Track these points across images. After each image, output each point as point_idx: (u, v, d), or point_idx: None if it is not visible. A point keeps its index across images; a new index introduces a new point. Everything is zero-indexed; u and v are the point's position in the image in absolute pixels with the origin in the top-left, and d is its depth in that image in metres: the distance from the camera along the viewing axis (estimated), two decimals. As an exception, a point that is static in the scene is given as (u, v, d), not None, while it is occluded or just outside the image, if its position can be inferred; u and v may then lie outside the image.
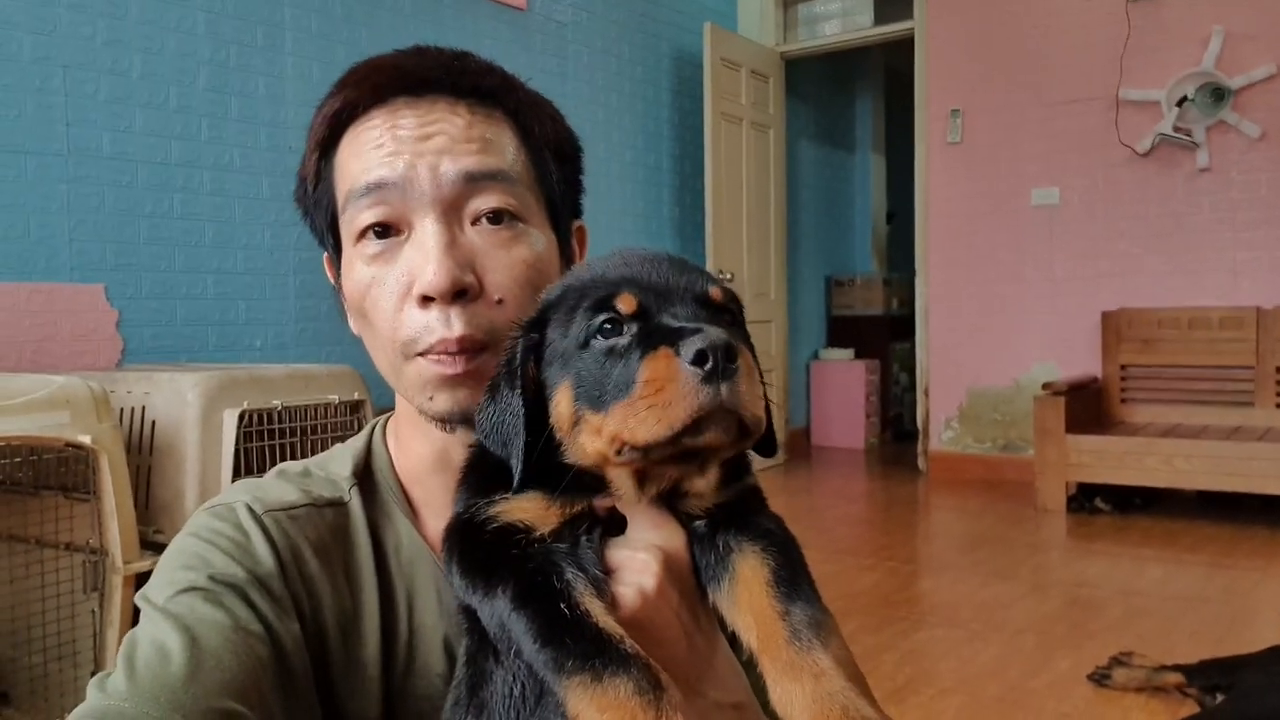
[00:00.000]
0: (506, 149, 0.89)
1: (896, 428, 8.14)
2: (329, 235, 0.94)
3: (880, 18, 7.00)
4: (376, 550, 0.92)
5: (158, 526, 2.77)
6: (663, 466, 0.73)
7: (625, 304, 0.72)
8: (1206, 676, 2.70)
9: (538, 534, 0.73)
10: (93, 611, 2.51)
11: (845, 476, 6.69)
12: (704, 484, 0.76)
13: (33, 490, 2.60)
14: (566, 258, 0.96)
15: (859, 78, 8.78)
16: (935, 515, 5.66)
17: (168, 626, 0.76)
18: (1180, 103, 5.59)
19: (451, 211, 0.86)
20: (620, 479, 0.75)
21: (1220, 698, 2.60)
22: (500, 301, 0.86)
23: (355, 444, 1.00)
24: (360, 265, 0.88)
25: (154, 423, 2.82)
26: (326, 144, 0.91)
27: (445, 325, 0.83)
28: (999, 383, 6.32)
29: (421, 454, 0.95)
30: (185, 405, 2.78)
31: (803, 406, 7.75)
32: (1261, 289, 5.48)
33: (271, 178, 4.19)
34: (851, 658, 0.69)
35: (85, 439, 2.41)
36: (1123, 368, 5.78)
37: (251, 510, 0.88)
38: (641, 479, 0.74)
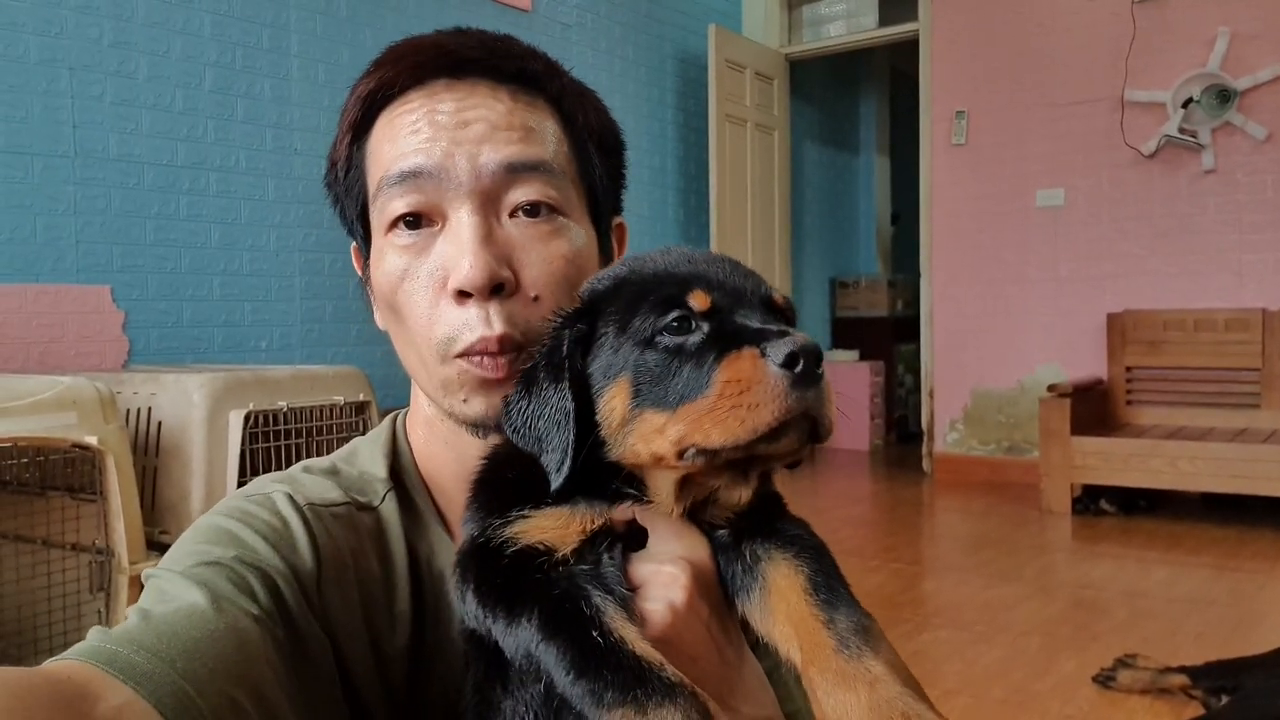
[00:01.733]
0: (548, 138, 0.84)
1: (901, 429, 8.13)
2: (358, 224, 0.89)
3: (885, 19, 7.00)
4: (411, 556, 0.87)
5: (163, 527, 2.78)
6: (716, 473, 0.70)
7: (699, 301, 0.69)
8: (1211, 678, 2.70)
9: (559, 555, 0.69)
10: (99, 611, 2.52)
11: (850, 478, 6.69)
12: (744, 494, 0.73)
13: (39, 491, 2.61)
14: (605, 254, 0.91)
15: (864, 79, 8.78)
16: (940, 517, 5.65)
17: (189, 586, 0.70)
18: (1186, 104, 5.58)
19: (489, 203, 0.81)
20: (661, 485, 0.71)
21: (1225, 699, 2.59)
22: (536, 299, 0.81)
23: (381, 440, 0.94)
24: (391, 256, 0.83)
25: (160, 424, 2.83)
26: (359, 126, 0.86)
27: (485, 324, 0.79)
28: (1004, 384, 6.31)
29: (447, 458, 0.90)
30: (191, 406, 2.79)
31: (807, 408, 7.73)
32: (1267, 291, 5.47)
33: (277, 180, 4.20)
34: (901, 661, 0.67)
35: (91, 440, 2.42)
36: (1128, 369, 5.77)
37: (292, 500, 0.82)
38: (683, 484, 0.71)
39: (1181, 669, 2.80)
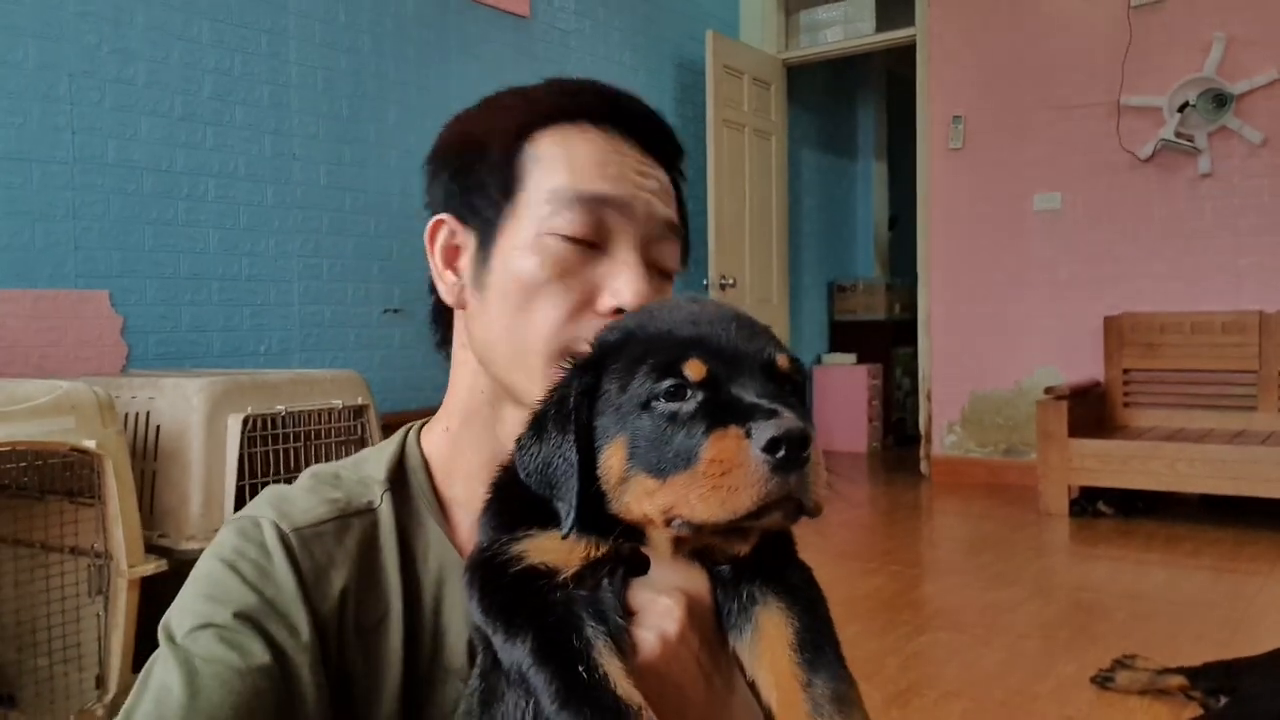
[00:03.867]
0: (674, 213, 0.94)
1: (899, 432, 8.14)
2: (479, 204, 0.92)
3: (882, 24, 7.02)
4: (404, 554, 0.93)
5: (162, 531, 2.78)
6: (706, 538, 0.72)
7: (694, 370, 0.69)
8: (1210, 679, 2.70)
9: (560, 578, 0.72)
10: (98, 615, 2.52)
11: (848, 481, 6.69)
12: (743, 549, 0.74)
13: (38, 495, 2.61)
14: None
15: (861, 84, 8.80)
16: (938, 519, 5.65)
17: (176, 674, 0.78)
18: (1182, 108, 5.60)
19: (647, 249, 0.90)
20: (658, 538, 0.74)
21: (1224, 700, 2.59)
22: None
23: (388, 448, 1.00)
24: (541, 260, 0.87)
25: (159, 428, 2.83)
26: (530, 128, 0.91)
27: None
28: (1001, 387, 6.32)
29: (477, 461, 0.95)
30: (190, 410, 2.79)
31: (806, 412, 7.73)
32: (1264, 294, 5.48)
33: (276, 185, 4.20)
34: None
35: (90, 444, 2.42)
36: (1125, 372, 5.78)
37: (278, 529, 0.88)
38: (680, 540, 0.73)
39: (1180, 670, 2.81)
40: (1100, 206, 5.93)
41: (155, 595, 2.57)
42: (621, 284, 0.87)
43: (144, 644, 2.55)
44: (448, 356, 1.01)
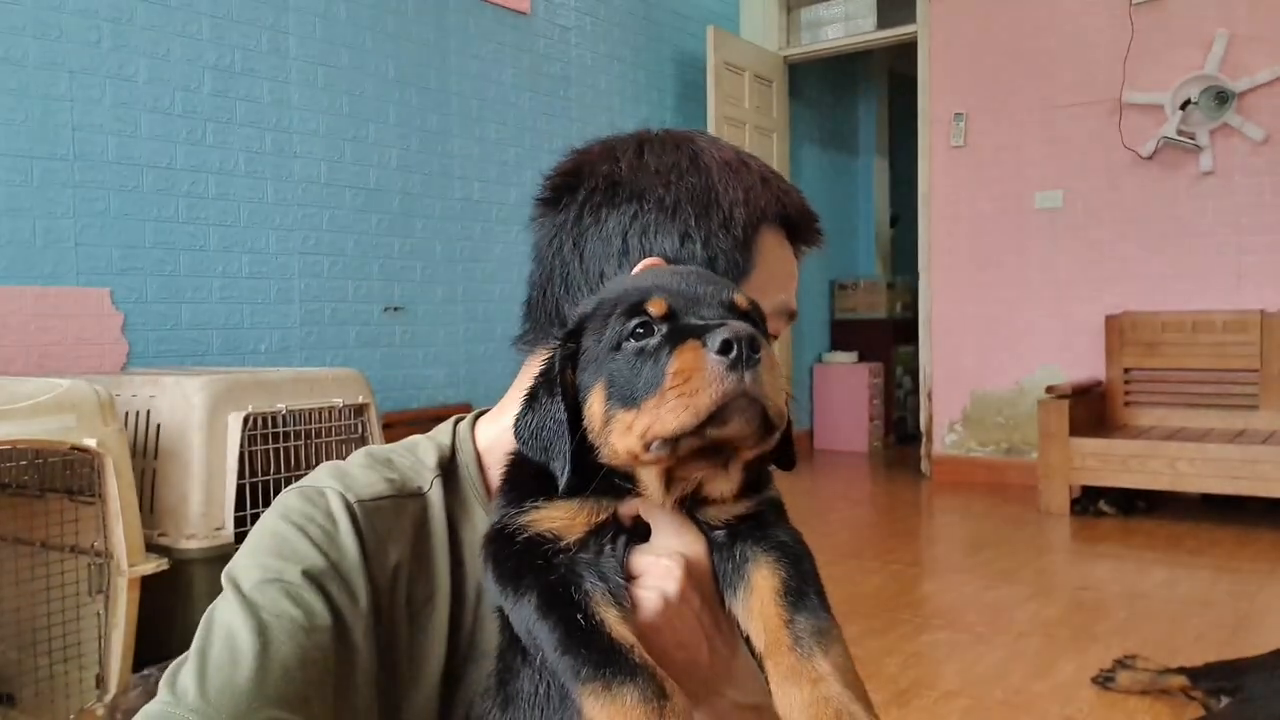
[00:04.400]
0: None
1: (900, 431, 8.14)
2: (705, 266, 0.94)
3: (883, 21, 7.01)
4: (452, 542, 0.95)
5: (162, 530, 2.78)
6: (689, 464, 0.75)
7: (656, 307, 0.75)
8: (1212, 679, 2.70)
9: (564, 543, 0.76)
10: (98, 614, 2.52)
11: (849, 480, 6.69)
12: (727, 486, 0.78)
13: (38, 493, 2.61)
14: None
15: (862, 81, 8.78)
16: (939, 518, 5.65)
17: (244, 622, 0.80)
18: (1184, 106, 5.59)
19: None
20: (648, 479, 0.77)
21: (1225, 701, 2.59)
22: None
23: (439, 436, 1.02)
24: None
25: (159, 426, 2.83)
26: (767, 220, 0.98)
27: None
28: (1002, 386, 6.31)
29: None
30: (190, 409, 2.79)
31: (806, 410, 7.74)
32: (1266, 292, 5.47)
33: (276, 183, 4.20)
34: (852, 665, 0.71)
35: (90, 442, 2.42)
36: (1126, 371, 5.78)
37: (344, 498, 0.91)
38: (668, 479, 0.77)
39: (1181, 670, 2.81)
40: (1101, 204, 5.93)
41: (156, 594, 2.57)
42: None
43: (145, 643, 2.55)
44: (522, 353, 1.04)
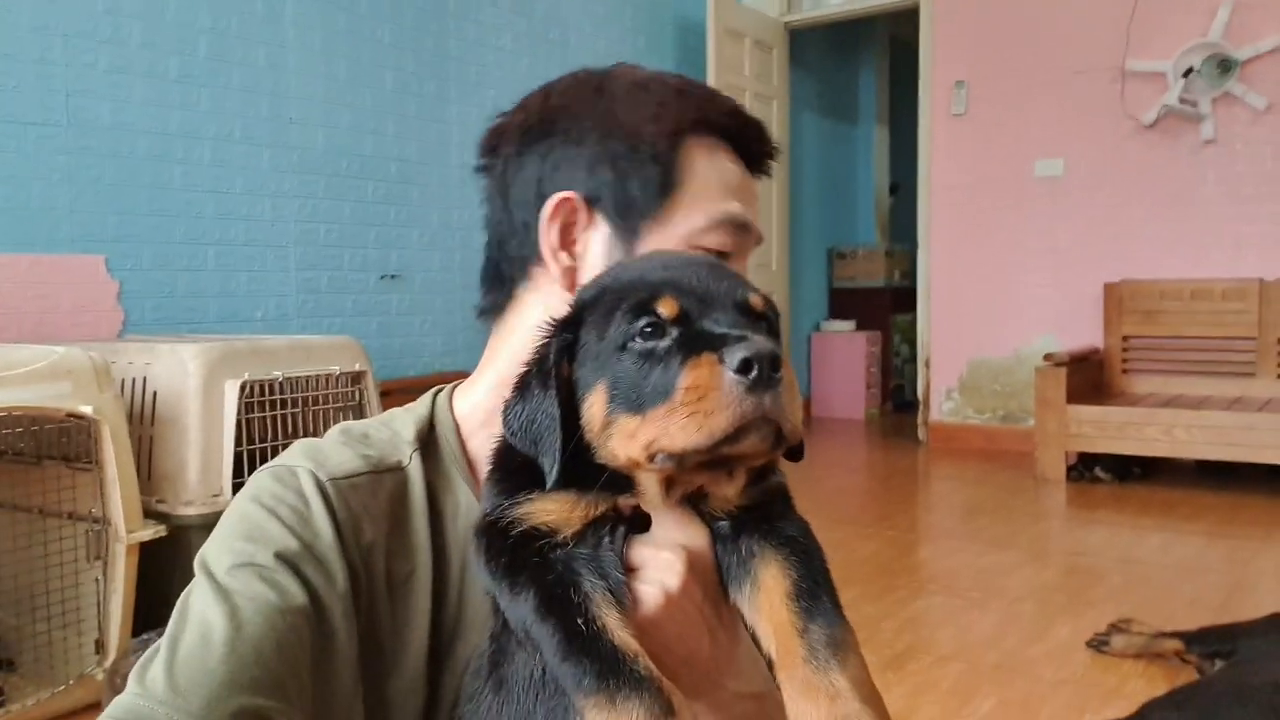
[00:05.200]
0: None
1: (897, 399, 8.15)
2: (628, 196, 0.91)
3: (884, -13, 6.94)
4: (433, 514, 0.94)
5: (160, 496, 2.79)
6: (693, 473, 0.73)
7: (667, 308, 0.71)
8: (1206, 643, 2.72)
9: (561, 537, 0.74)
10: (96, 580, 2.53)
11: (846, 447, 6.71)
12: (731, 489, 0.76)
13: (35, 460, 2.62)
14: None
15: (863, 49, 8.71)
16: (935, 485, 5.67)
17: (217, 608, 0.78)
18: (1186, 74, 5.54)
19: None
20: (647, 482, 0.74)
21: (1219, 664, 2.61)
22: None
23: (417, 409, 1.00)
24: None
25: (155, 393, 2.83)
26: (684, 132, 0.92)
27: None
28: (1000, 353, 6.32)
29: (499, 426, 0.96)
30: (186, 376, 2.79)
31: (804, 378, 7.75)
32: (1265, 261, 5.46)
33: (273, 149, 4.17)
34: (868, 676, 0.69)
35: (87, 409, 2.42)
36: (1124, 339, 5.78)
37: (315, 477, 0.88)
38: (669, 483, 0.75)
39: (1175, 634, 2.83)
40: (1102, 172, 5.90)
41: (154, 561, 2.59)
42: None
43: (144, 609, 2.57)
44: (487, 323, 1.02)
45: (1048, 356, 5.39)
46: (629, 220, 0.91)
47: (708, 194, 0.91)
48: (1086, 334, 5.93)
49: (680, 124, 0.92)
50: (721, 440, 0.66)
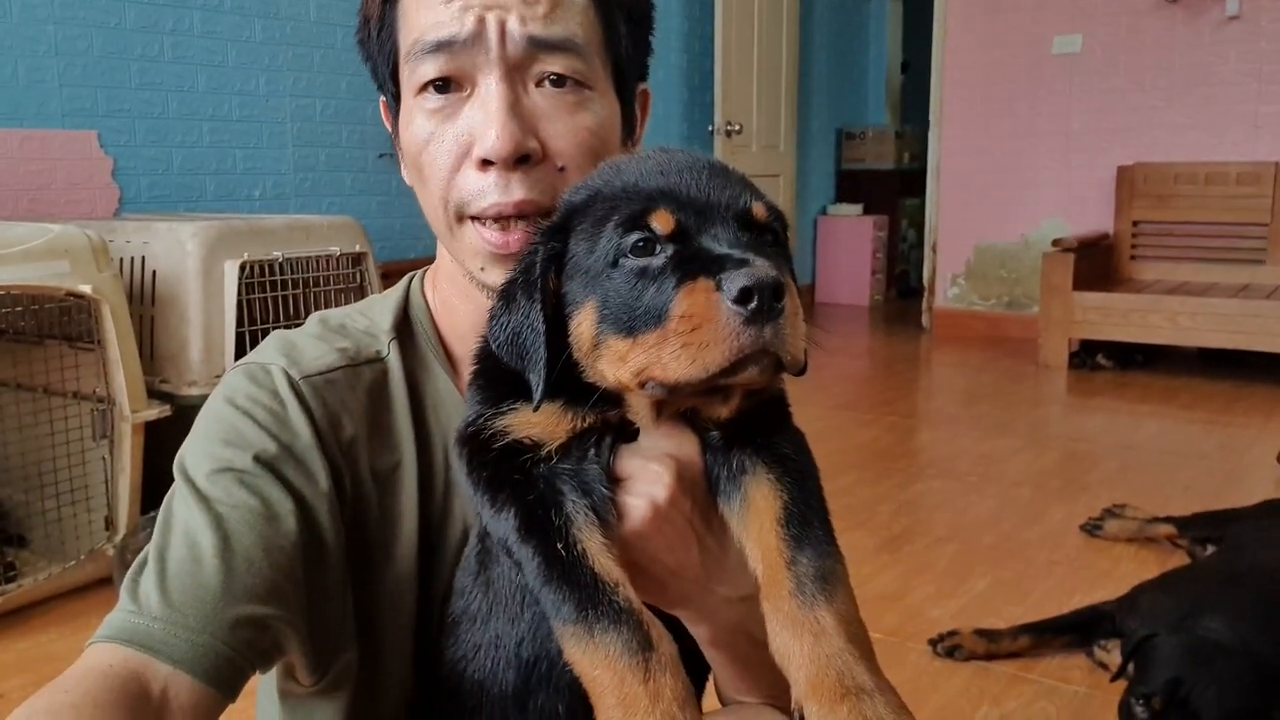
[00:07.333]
0: (575, 12, 0.85)
1: (902, 285, 8.11)
2: (390, 82, 0.90)
3: None
4: (414, 404, 0.93)
5: (164, 376, 2.79)
6: (685, 398, 0.71)
7: (661, 222, 0.66)
8: (1198, 528, 2.76)
9: (545, 450, 0.71)
10: (103, 458, 2.55)
11: (849, 333, 6.71)
12: (724, 410, 0.73)
13: (37, 339, 2.61)
14: (629, 123, 0.93)
15: (878, -84, 8.35)
16: (937, 371, 5.69)
17: (202, 518, 0.78)
18: (1214, -56, 5.32)
19: (516, 72, 0.83)
20: (637, 403, 0.72)
21: (1210, 550, 2.65)
22: (563, 169, 0.84)
23: (393, 295, 0.99)
24: (420, 119, 0.86)
25: (154, 273, 2.81)
26: None
27: (503, 191, 0.82)
28: (1008, 239, 6.25)
29: (466, 310, 0.93)
30: (185, 255, 2.76)
31: (809, 263, 7.69)
32: (1282, 144, 5.35)
33: (264, 20, 4.03)
34: (855, 611, 0.67)
35: (85, 288, 2.40)
36: (1135, 224, 5.70)
37: (289, 376, 0.87)
38: (660, 405, 0.72)
39: (1169, 519, 2.87)
40: (1121, 50, 5.72)
41: (160, 439, 2.60)
42: (481, 129, 0.82)
43: (151, 487, 2.60)
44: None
45: (1056, 242, 5.33)
46: (392, 104, 0.92)
47: (407, 35, 0.86)
48: (1097, 219, 5.85)
49: None
50: (717, 373, 0.62)
